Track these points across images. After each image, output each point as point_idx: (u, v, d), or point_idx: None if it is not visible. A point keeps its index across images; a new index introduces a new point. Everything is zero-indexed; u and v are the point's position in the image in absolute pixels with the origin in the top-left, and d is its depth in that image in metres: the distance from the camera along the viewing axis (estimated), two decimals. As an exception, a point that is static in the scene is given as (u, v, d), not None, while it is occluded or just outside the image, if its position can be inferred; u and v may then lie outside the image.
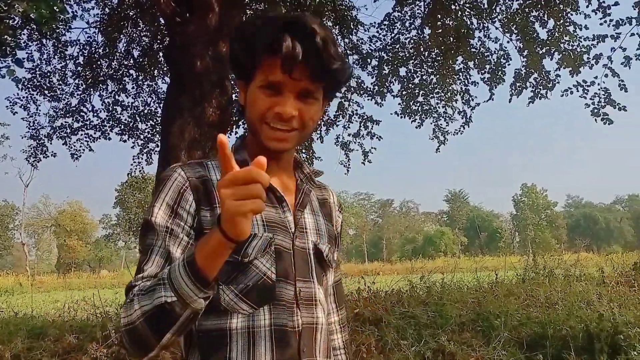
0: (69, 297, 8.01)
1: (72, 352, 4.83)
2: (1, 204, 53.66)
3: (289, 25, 0.97)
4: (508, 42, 7.77)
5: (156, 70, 8.72)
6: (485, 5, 7.44)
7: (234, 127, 7.06)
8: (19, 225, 50.45)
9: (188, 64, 4.77)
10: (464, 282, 6.98)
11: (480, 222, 69.14)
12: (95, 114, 8.91)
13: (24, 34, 7.49)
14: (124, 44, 8.55)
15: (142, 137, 8.97)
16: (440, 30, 7.58)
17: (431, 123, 8.80)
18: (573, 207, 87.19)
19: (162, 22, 6.96)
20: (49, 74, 8.45)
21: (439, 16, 7.48)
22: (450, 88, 8.49)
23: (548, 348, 4.25)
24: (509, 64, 7.80)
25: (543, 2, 6.94)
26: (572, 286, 6.12)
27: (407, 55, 8.26)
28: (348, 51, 8.22)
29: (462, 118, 8.56)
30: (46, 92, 8.54)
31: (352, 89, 8.69)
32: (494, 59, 7.85)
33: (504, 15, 7.55)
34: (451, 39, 7.56)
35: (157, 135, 8.59)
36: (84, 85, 8.64)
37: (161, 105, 8.11)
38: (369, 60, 8.28)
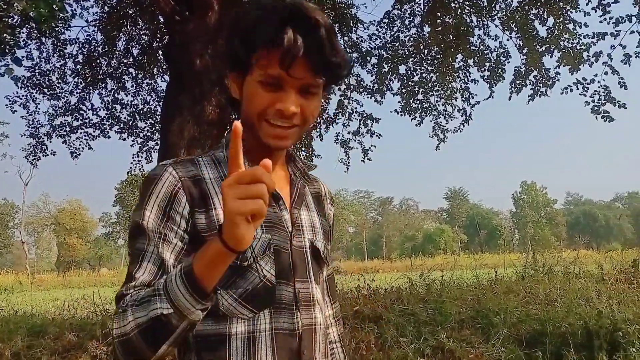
0: (69, 295, 8.02)
1: (72, 350, 4.85)
2: (1, 202, 53.67)
3: (291, 16, 0.92)
4: (508, 39, 7.78)
5: (155, 69, 8.70)
6: (485, 3, 7.44)
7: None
8: (19, 223, 50.48)
9: (187, 62, 4.76)
10: (464, 280, 7.00)
11: (479, 220, 69.19)
12: (94, 113, 8.90)
13: (23, 32, 7.49)
14: (124, 43, 8.53)
15: (141, 135, 8.97)
16: (439, 28, 7.58)
17: (431, 121, 8.80)
18: (573, 204, 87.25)
19: (162, 20, 6.96)
20: (48, 72, 8.44)
21: (439, 14, 7.47)
22: (450, 86, 8.48)
23: (547, 345, 4.26)
24: (508, 62, 7.80)
25: (543, 0, 6.93)
26: (571, 283, 6.14)
27: (407, 53, 8.26)
28: (347, 49, 8.21)
29: (462, 116, 8.55)
30: (45, 90, 8.52)
31: (351, 86, 8.69)
32: (493, 57, 7.84)
33: (504, 13, 7.54)
34: (451, 36, 7.55)
35: (157, 134, 8.59)
36: (84, 84, 8.62)
37: (161, 103, 8.11)
38: (368, 58, 8.27)
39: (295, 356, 0.98)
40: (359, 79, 8.69)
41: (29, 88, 8.40)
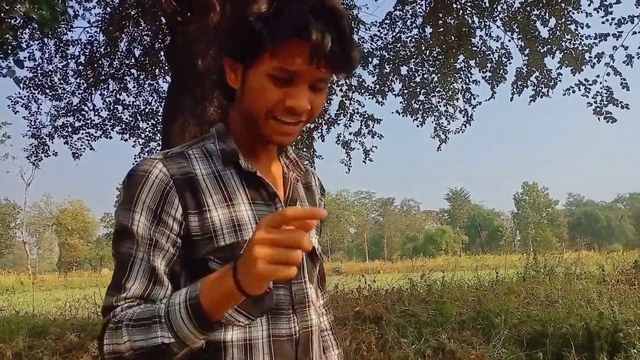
0: (70, 296, 8.03)
1: (73, 351, 4.86)
2: (3, 202, 53.78)
3: (318, 7, 0.83)
4: (509, 40, 7.77)
5: (157, 70, 8.72)
6: (487, 4, 7.45)
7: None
8: (21, 224, 50.53)
9: (189, 63, 4.77)
10: (465, 281, 6.99)
11: (481, 221, 69.12)
12: (96, 113, 8.93)
13: (25, 33, 7.51)
14: (126, 43, 8.56)
15: (143, 136, 8.99)
16: (441, 29, 7.58)
17: (432, 122, 8.81)
18: (574, 205, 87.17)
19: (164, 21, 6.96)
20: (50, 73, 8.47)
21: (440, 15, 7.47)
22: (452, 87, 8.49)
23: (548, 346, 4.26)
24: (510, 63, 7.81)
25: (545, 1, 6.93)
26: (572, 284, 6.13)
27: (409, 54, 8.27)
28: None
29: (464, 117, 8.56)
30: (47, 91, 8.56)
31: (353, 87, 8.70)
32: (495, 58, 7.85)
33: (506, 14, 7.54)
34: (452, 37, 7.56)
35: (158, 135, 8.60)
36: (85, 84, 8.65)
37: (162, 104, 8.12)
38: (370, 59, 8.28)
39: None
40: (361, 79, 8.70)
41: (31, 89, 8.43)
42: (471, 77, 8.34)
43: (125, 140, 8.97)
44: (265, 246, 0.69)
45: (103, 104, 8.84)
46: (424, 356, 4.24)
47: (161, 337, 0.80)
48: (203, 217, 0.90)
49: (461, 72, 8.32)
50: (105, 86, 8.73)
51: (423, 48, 8.16)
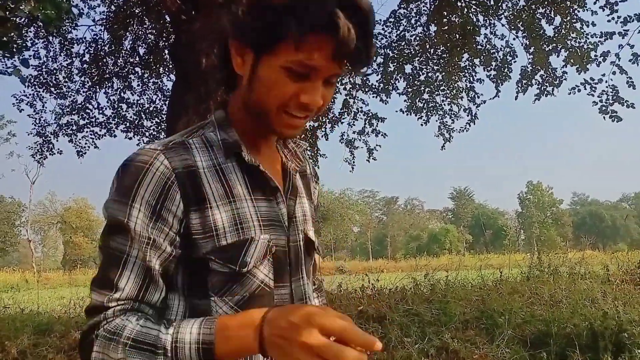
0: (75, 294, 8.06)
1: (77, 349, 4.87)
2: (8, 200, 54.01)
3: (346, 1, 0.79)
4: (514, 39, 7.77)
5: (162, 68, 8.74)
6: (492, 2, 7.42)
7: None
8: (25, 222, 50.74)
9: (193, 61, 4.78)
10: (469, 280, 6.98)
11: (485, 220, 68.98)
12: (100, 112, 8.97)
13: (30, 32, 7.54)
14: (130, 42, 8.58)
15: (147, 134, 9.01)
16: (446, 27, 7.56)
17: (437, 120, 8.80)
18: (579, 204, 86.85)
19: (168, 19, 6.98)
20: (55, 71, 8.50)
21: (445, 13, 7.46)
22: (456, 85, 8.47)
23: (552, 346, 4.24)
24: (515, 61, 7.79)
25: (549, -1, 6.91)
26: (576, 284, 6.11)
27: (413, 52, 8.25)
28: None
29: (468, 115, 8.55)
30: (52, 89, 8.59)
31: (357, 86, 8.69)
32: (500, 56, 7.83)
33: (510, 12, 7.51)
34: (457, 36, 7.54)
35: (163, 133, 8.62)
36: (90, 83, 8.68)
37: (167, 102, 8.14)
38: (374, 57, 8.27)
39: None
40: (365, 78, 8.69)
41: (36, 87, 8.47)
42: (475, 76, 8.33)
43: (130, 138, 9.01)
44: (313, 354, 0.66)
45: (107, 102, 8.88)
46: (428, 355, 4.23)
47: None
48: (204, 215, 0.85)
49: (465, 71, 8.30)
50: (109, 84, 8.76)
51: (427, 46, 8.14)
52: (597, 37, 6.80)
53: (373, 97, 8.75)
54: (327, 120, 8.83)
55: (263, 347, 0.72)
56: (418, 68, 8.41)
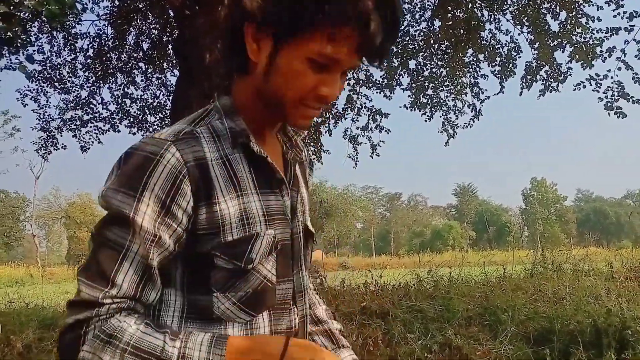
0: (79, 288, 8.08)
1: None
2: (12, 195, 54.25)
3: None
4: (519, 34, 7.71)
5: (165, 63, 8.75)
6: (496, -3, 7.38)
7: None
8: (30, 217, 50.98)
9: (197, 57, 4.78)
10: (472, 277, 6.96)
11: (488, 216, 68.86)
12: (104, 107, 8.99)
13: (34, 27, 7.55)
14: (134, 37, 8.58)
15: (151, 129, 9.03)
16: (450, 22, 7.53)
17: (440, 116, 8.77)
18: (583, 201, 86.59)
19: (172, 14, 6.97)
20: (59, 66, 8.52)
21: (449, 8, 7.42)
22: (460, 81, 8.44)
23: (555, 343, 4.24)
24: (519, 57, 7.75)
25: (555, -6, 6.87)
26: (580, 281, 6.09)
27: (417, 47, 8.22)
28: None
29: (472, 111, 8.52)
30: (56, 84, 8.61)
31: (360, 81, 8.67)
32: (504, 52, 7.79)
33: (515, 7, 7.48)
34: (461, 31, 7.50)
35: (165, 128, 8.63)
36: (94, 78, 8.70)
37: (170, 98, 8.15)
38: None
39: None
40: (368, 73, 8.67)
41: (40, 82, 8.48)
42: (480, 71, 8.30)
43: (134, 134, 9.03)
44: None
45: (111, 97, 8.91)
46: (431, 352, 4.23)
47: None
48: (212, 210, 0.82)
49: (470, 66, 8.27)
50: (113, 80, 8.78)
51: (432, 42, 8.11)
52: (602, 32, 6.76)
53: (377, 92, 8.74)
54: (331, 116, 8.82)
55: None
56: (422, 63, 8.39)
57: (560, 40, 7.12)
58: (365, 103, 8.85)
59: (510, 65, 7.74)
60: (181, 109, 4.77)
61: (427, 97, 8.61)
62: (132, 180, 0.78)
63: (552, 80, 7.49)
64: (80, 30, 8.52)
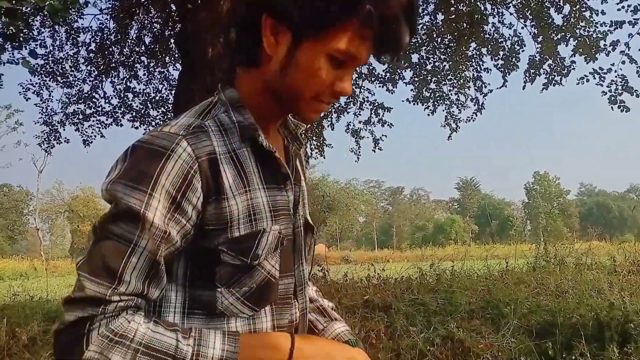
0: (83, 282, 8.13)
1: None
2: (16, 189, 54.47)
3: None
4: (522, 28, 7.68)
5: (167, 57, 8.74)
6: (500, -10, 7.34)
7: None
8: (33, 210, 51.15)
9: (199, 51, 4.77)
10: (474, 270, 6.97)
11: (491, 210, 68.81)
12: (107, 101, 9.00)
13: (36, 21, 7.54)
14: (136, 31, 8.58)
15: (153, 124, 9.04)
16: (453, 16, 7.50)
17: (443, 110, 8.76)
18: (586, 195, 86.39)
19: (174, 8, 6.96)
20: (61, 60, 8.52)
21: (452, 1, 7.39)
22: (463, 75, 8.42)
23: (558, 336, 4.25)
24: (523, 50, 7.73)
25: (559, -13, 6.83)
26: (583, 275, 6.09)
27: (420, 41, 8.20)
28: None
29: (475, 105, 8.51)
30: (59, 78, 8.62)
31: (363, 75, 8.65)
32: (507, 45, 7.77)
33: (519, 1, 7.44)
34: (464, 24, 7.48)
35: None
36: (96, 72, 8.70)
37: (173, 92, 8.14)
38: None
39: None
40: (371, 67, 8.65)
41: (43, 76, 8.49)
42: (483, 65, 8.28)
43: (136, 127, 9.04)
44: None
45: (113, 91, 8.91)
46: (433, 344, 4.24)
47: None
48: (221, 206, 0.80)
49: (473, 60, 8.25)
50: (115, 74, 8.78)
51: (434, 35, 8.08)
52: (606, 26, 6.74)
53: (379, 86, 8.73)
54: (333, 110, 8.81)
55: None
56: (425, 57, 8.37)
57: (563, 33, 7.09)
58: (367, 97, 8.85)
59: (514, 59, 7.72)
60: (183, 103, 4.77)
61: (430, 91, 8.59)
62: (143, 175, 0.76)
63: (555, 73, 7.47)
64: (82, 24, 8.54)
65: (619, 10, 6.33)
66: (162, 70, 8.94)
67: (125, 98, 8.93)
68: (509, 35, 7.81)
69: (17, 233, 53.21)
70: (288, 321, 0.91)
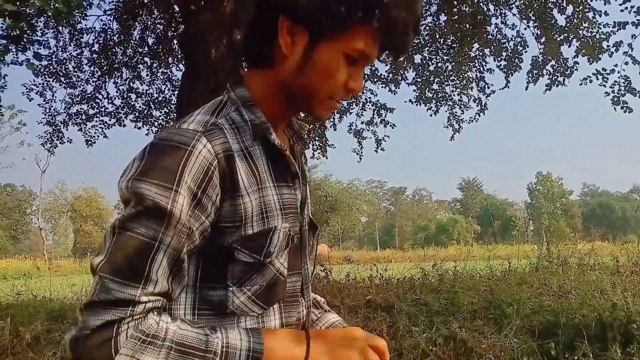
0: (86, 281, 8.16)
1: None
2: (19, 189, 54.63)
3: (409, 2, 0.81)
4: (525, 28, 7.68)
5: (171, 58, 8.76)
6: (502, -9, 7.34)
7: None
8: (36, 210, 51.26)
9: (202, 52, 4.78)
10: (477, 270, 6.97)
11: (494, 211, 68.71)
12: (110, 101, 9.03)
13: (40, 22, 7.57)
14: (139, 32, 8.60)
15: (156, 124, 9.07)
16: (456, 17, 7.50)
17: (446, 111, 8.76)
18: (589, 195, 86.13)
19: (177, 9, 6.98)
20: (64, 61, 8.55)
21: (455, 2, 7.39)
22: (466, 75, 8.42)
23: (560, 336, 4.25)
24: (525, 51, 7.71)
25: (561, -12, 6.82)
26: (585, 275, 6.09)
27: (422, 42, 8.20)
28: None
29: (477, 106, 8.50)
30: (62, 79, 8.66)
31: (366, 76, 8.66)
32: (510, 46, 7.76)
33: (522, 1, 7.43)
34: (467, 25, 7.47)
35: (172, 123, 8.66)
36: (99, 73, 8.73)
37: (175, 92, 8.17)
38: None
39: None
40: (373, 68, 8.66)
41: (46, 76, 8.52)
42: (486, 66, 8.28)
43: (139, 128, 9.06)
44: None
45: (117, 92, 8.94)
46: (435, 344, 4.25)
47: None
48: (236, 203, 0.81)
49: (476, 61, 8.24)
50: (118, 74, 8.81)
51: (437, 36, 8.08)
52: (609, 26, 6.72)
53: (382, 87, 8.74)
54: (336, 111, 8.82)
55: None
56: (427, 58, 8.37)
57: (566, 34, 7.08)
58: (370, 98, 8.85)
59: (516, 59, 7.71)
60: (186, 104, 4.79)
61: (433, 91, 8.59)
62: (167, 171, 0.75)
63: (558, 74, 7.46)
64: (85, 25, 8.56)
65: (622, 11, 6.33)
66: (165, 71, 8.97)
67: (128, 99, 8.95)
68: (512, 36, 7.81)
69: (20, 232, 53.36)
70: (296, 319, 0.92)
